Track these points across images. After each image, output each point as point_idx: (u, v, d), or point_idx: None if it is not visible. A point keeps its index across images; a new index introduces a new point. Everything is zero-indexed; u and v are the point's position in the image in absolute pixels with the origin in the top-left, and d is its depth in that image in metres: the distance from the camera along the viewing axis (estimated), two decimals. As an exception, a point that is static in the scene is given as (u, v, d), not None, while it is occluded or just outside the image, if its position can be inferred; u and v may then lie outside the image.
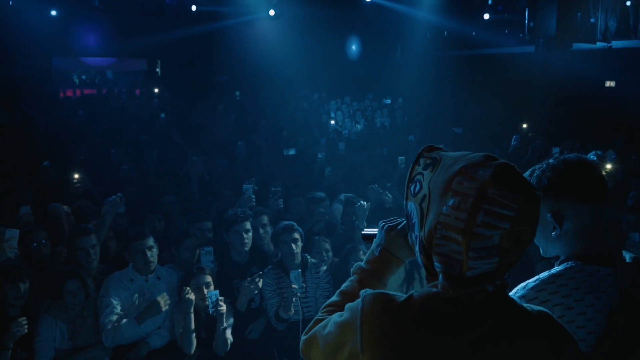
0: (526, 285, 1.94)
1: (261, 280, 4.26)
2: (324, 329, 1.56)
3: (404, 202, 1.55)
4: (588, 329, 1.85)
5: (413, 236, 1.52)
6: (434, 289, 1.45)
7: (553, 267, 2.01)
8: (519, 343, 1.43)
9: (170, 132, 11.00)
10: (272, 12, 16.25)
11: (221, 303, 4.04)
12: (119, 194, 4.74)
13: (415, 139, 11.36)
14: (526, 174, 2.00)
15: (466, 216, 1.35)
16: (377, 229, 1.78)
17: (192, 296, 4.04)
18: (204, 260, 4.37)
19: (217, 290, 4.10)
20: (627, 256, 2.00)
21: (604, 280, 1.91)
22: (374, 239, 1.78)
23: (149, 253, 4.24)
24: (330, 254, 4.87)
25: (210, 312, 4.05)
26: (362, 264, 1.77)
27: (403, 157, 8.34)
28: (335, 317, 1.55)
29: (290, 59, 15.45)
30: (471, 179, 1.38)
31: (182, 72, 17.28)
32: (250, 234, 4.63)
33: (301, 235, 4.58)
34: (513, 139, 10.30)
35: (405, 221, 1.63)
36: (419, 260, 1.51)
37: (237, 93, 15.26)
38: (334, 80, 16.20)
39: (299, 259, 4.46)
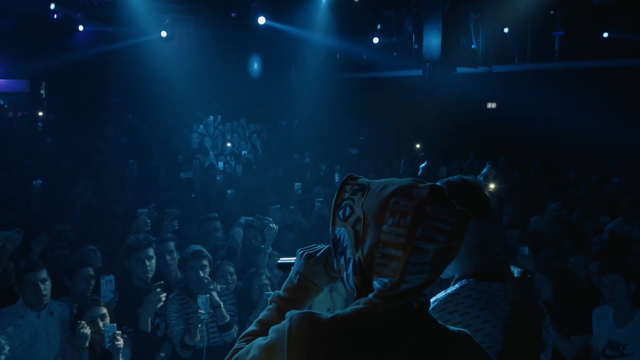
0: (434, 298, 2.02)
1: (164, 294, 4.11)
2: (247, 355, 1.53)
3: (330, 228, 1.58)
4: (487, 344, 1.92)
5: (342, 260, 1.54)
6: (359, 306, 1.47)
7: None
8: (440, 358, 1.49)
9: (57, 157, 10.46)
10: (164, 34, 15.97)
11: (118, 337, 3.85)
12: (17, 229, 4.40)
13: (311, 161, 11.51)
14: None
15: (406, 231, 1.41)
16: (294, 258, 1.78)
17: (87, 330, 3.81)
18: (104, 290, 4.15)
19: (115, 324, 3.90)
20: (516, 271, 2.09)
21: (495, 296, 2.01)
22: (292, 267, 1.77)
23: (42, 286, 3.97)
24: (234, 277, 4.81)
25: (107, 347, 3.84)
26: (280, 292, 1.75)
27: (300, 183, 8.41)
28: (259, 340, 1.53)
29: (185, 80, 15.22)
30: (408, 198, 1.45)
31: (69, 94, 16.51)
32: (153, 260, 4.47)
33: (209, 262, 4.49)
34: (402, 163, 10.71)
35: (324, 248, 1.69)
36: (351, 282, 1.53)
37: (129, 116, 14.76)
38: (229, 102, 16.11)
39: (205, 284, 4.36)
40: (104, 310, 3.98)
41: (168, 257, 4.74)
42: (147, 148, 11.93)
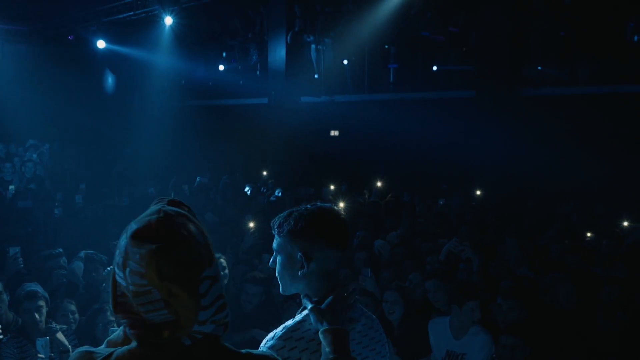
0: (274, 335, 2.04)
1: None
2: None
3: None
4: (356, 351, 2.04)
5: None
6: (129, 346, 1.49)
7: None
8: None
9: None
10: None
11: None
12: None
13: (155, 190, 11.22)
14: (283, 215, 2.16)
15: (122, 275, 1.43)
16: None
17: None
18: None
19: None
20: (309, 305, 2.11)
21: None
22: None
23: None
24: (76, 315, 4.56)
25: None
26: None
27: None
28: None
29: (16, 105, 14.17)
30: (125, 235, 1.45)
31: None
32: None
33: (46, 301, 4.21)
34: (246, 188, 10.80)
35: None
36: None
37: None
38: (69, 128, 15.24)
39: (43, 326, 4.08)
40: None
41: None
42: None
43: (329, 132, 14.08)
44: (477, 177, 10.93)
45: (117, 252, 1.45)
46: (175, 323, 1.42)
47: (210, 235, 1.56)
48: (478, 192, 10.40)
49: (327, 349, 1.92)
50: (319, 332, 1.97)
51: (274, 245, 2.17)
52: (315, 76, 14.03)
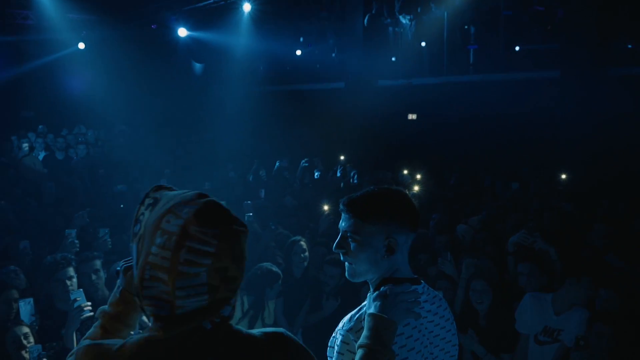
0: (351, 317, 2.03)
1: (88, 303, 3.97)
2: None
3: (130, 244, 1.53)
4: (408, 346, 1.98)
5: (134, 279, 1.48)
6: (146, 334, 1.45)
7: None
8: None
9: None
10: (81, 46, 15.53)
11: (44, 359, 3.72)
12: None
13: (235, 174, 11.47)
14: (356, 197, 2.08)
15: (170, 255, 1.37)
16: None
17: None
18: (23, 312, 3.99)
19: (40, 345, 3.77)
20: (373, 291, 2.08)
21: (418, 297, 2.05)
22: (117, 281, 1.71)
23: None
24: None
25: (32, 369, 3.71)
26: (105, 307, 1.70)
27: (224, 202, 8.30)
28: None
29: (104, 93, 14.82)
30: (177, 217, 1.40)
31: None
32: (74, 280, 4.33)
33: None
34: (315, 173, 10.86)
35: None
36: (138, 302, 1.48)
37: (41, 127, 14.14)
38: (152, 115, 15.81)
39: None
40: (26, 329, 3.84)
41: (94, 277, 4.59)
42: (66, 164, 11.56)
43: (407, 116, 13.93)
44: (563, 160, 10.49)
45: (159, 232, 1.39)
46: (206, 309, 1.40)
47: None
48: (563, 176, 10.00)
49: (365, 333, 1.87)
50: (366, 314, 1.94)
51: (346, 227, 2.07)
52: (393, 59, 13.88)
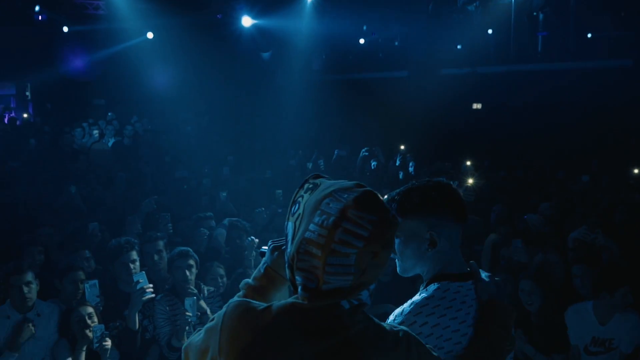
0: (402, 311, 2.00)
1: (151, 285, 4.09)
2: (198, 336, 1.65)
3: (285, 223, 1.65)
4: (463, 344, 1.95)
5: (286, 253, 1.62)
6: (291, 300, 1.57)
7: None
8: (371, 357, 1.54)
9: (42, 160, 10.40)
10: (150, 35, 15.94)
11: (107, 338, 3.87)
12: None
13: (296, 163, 11.52)
14: (400, 192, 2.09)
15: (327, 233, 1.49)
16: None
17: (108, 344, 3.84)
18: (88, 294, 4.15)
19: (102, 325, 3.92)
20: (483, 274, 2.12)
21: (467, 295, 2.03)
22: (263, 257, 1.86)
23: (26, 289, 3.98)
24: (225, 279, 4.80)
25: (95, 347, 3.85)
26: (249, 280, 1.84)
27: (281, 191, 8.39)
28: (207, 324, 1.63)
29: (170, 82, 15.19)
30: (337, 201, 1.53)
31: (55, 96, 16.44)
32: (137, 263, 4.47)
33: (196, 262, 4.47)
34: (372, 163, 10.81)
35: None
36: (287, 276, 1.61)
37: (110, 114, 14.63)
38: (216, 103, 16.11)
39: (193, 285, 4.36)
40: (90, 310, 4.00)
41: (157, 257, 4.72)
42: (134, 151, 11.91)
43: (471, 105, 13.66)
44: (636, 153, 10.04)
45: (318, 212, 1.52)
46: (348, 290, 1.51)
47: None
48: (636, 171, 9.57)
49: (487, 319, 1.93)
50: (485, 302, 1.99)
51: None
52: (458, 47, 13.60)
